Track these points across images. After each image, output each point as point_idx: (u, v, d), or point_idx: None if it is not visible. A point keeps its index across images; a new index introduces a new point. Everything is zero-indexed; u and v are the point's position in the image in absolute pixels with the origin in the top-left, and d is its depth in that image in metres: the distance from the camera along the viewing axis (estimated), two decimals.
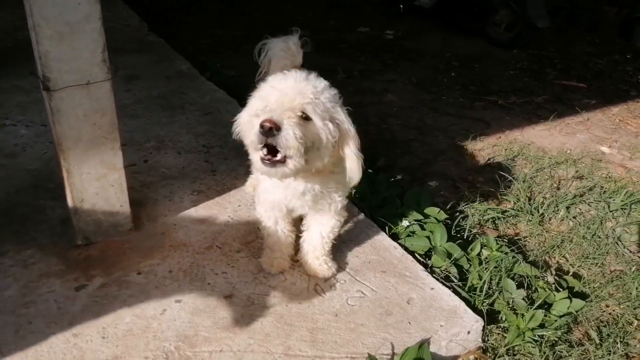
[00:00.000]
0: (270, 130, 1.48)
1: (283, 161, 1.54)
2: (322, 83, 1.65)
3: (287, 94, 1.55)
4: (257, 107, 1.58)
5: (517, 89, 4.55)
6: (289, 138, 1.48)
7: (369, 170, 2.72)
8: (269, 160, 1.55)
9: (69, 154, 1.94)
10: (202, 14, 5.69)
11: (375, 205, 2.61)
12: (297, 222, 2.12)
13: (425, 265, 2.26)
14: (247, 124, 1.63)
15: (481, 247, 2.41)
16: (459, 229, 2.62)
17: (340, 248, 2.27)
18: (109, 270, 2.07)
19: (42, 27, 1.66)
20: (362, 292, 2.06)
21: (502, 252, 2.40)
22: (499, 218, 2.79)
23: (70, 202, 2.08)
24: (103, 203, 2.12)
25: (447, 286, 2.14)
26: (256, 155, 1.59)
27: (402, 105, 4.09)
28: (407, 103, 4.15)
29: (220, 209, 2.48)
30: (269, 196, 1.91)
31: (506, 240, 2.60)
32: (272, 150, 1.54)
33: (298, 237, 2.12)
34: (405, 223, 2.41)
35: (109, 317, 1.87)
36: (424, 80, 4.57)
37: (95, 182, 2.05)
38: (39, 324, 1.83)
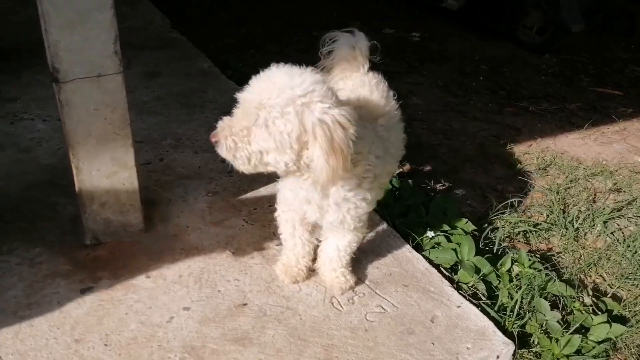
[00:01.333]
0: (217, 142, 1.56)
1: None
2: (296, 80, 1.49)
3: (249, 100, 1.53)
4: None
5: (549, 95, 4.35)
6: (222, 153, 1.56)
7: (393, 176, 2.57)
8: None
9: (78, 149, 1.85)
10: (225, 12, 5.62)
11: (398, 213, 2.46)
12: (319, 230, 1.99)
13: (451, 280, 2.11)
14: None
15: (512, 263, 2.24)
16: (487, 241, 2.46)
17: (359, 258, 2.13)
18: (116, 272, 1.97)
19: (51, 15, 1.57)
20: (382, 307, 1.92)
21: (534, 268, 2.23)
22: (530, 231, 2.62)
23: (79, 200, 1.99)
24: (113, 202, 2.03)
25: (474, 304, 1.98)
26: None
27: (427, 108, 3.93)
28: (433, 106, 3.99)
29: (235, 211, 2.37)
30: (281, 195, 1.83)
31: (538, 256, 2.43)
32: None
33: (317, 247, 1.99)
34: (430, 234, 2.26)
35: (113, 323, 1.77)
36: (450, 83, 4.41)
37: (106, 179, 1.96)
38: (40, 327, 1.74)
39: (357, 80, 1.96)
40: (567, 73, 4.77)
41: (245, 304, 1.87)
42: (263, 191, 2.50)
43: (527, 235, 2.62)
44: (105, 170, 1.93)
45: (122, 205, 2.05)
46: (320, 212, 1.73)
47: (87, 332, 1.73)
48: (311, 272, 2.02)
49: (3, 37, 4.08)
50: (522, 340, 1.93)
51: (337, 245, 1.88)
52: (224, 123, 1.56)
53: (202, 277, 1.98)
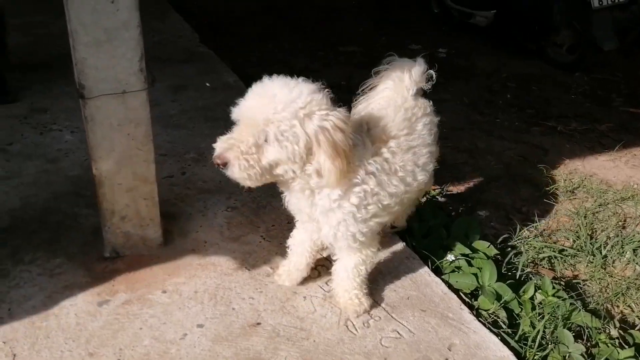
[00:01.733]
0: (221, 165, 1.54)
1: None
2: (295, 92, 1.54)
3: (250, 117, 1.53)
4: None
5: (579, 115, 4.24)
6: (235, 173, 1.54)
7: (416, 205, 2.52)
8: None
9: (101, 163, 1.88)
10: (253, 28, 5.70)
11: (419, 234, 2.42)
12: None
13: (470, 307, 2.05)
14: None
15: (535, 290, 2.17)
16: (510, 266, 2.39)
17: (375, 279, 2.10)
18: (133, 286, 1.99)
19: (80, 34, 1.61)
20: (398, 332, 1.87)
21: (558, 297, 2.15)
22: (555, 257, 2.53)
23: (100, 213, 2.02)
24: (133, 216, 2.05)
25: (494, 333, 1.92)
26: None
27: (453, 126, 3.87)
28: (459, 124, 3.93)
29: (253, 227, 2.37)
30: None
31: (563, 283, 2.34)
32: None
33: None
34: (450, 257, 2.21)
35: (127, 338, 1.78)
36: (477, 101, 4.34)
37: (126, 194, 1.98)
38: (56, 338, 1.76)
39: (391, 101, 1.96)
40: (599, 92, 4.64)
41: (258, 323, 1.86)
42: (282, 208, 2.49)
43: (552, 261, 2.53)
44: (127, 184, 1.96)
45: (141, 220, 2.07)
46: (315, 224, 1.76)
47: (102, 345, 1.74)
48: (326, 292, 2.00)
49: (35, 51, 4.23)
50: None
51: (346, 266, 1.86)
52: (228, 143, 1.54)
53: (217, 293, 1.97)
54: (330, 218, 1.69)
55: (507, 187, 3.22)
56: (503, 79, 4.78)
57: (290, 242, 2.02)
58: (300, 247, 1.98)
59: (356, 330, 1.87)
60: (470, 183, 3.22)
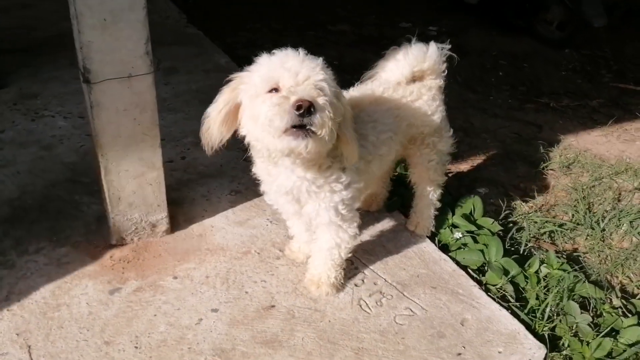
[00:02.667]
0: (308, 109, 1.39)
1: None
2: (313, 59, 1.54)
3: (300, 72, 1.47)
4: (263, 87, 1.48)
5: (570, 91, 4.28)
6: (324, 116, 1.43)
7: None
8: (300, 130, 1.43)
9: (107, 150, 1.84)
10: (241, 7, 5.58)
11: None
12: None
13: (479, 282, 2.09)
14: (259, 107, 1.47)
15: (540, 264, 2.21)
16: (512, 241, 2.43)
17: (385, 259, 2.12)
18: (143, 273, 1.97)
19: (85, 16, 1.56)
20: (411, 309, 1.90)
21: (563, 270, 2.20)
22: (556, 231, 2.58)
23: (106, 200, 1.99)
24: (140, 202, 2.02)
25: (504, 307, 1.96)
26: (275, 139, 1.46)
27: (447, 105, 3.88)
28: (452, 103, 3.87)
29: (259, 210, 2.36)
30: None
31: (564, 256, 2.39)
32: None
33: None
34: (457, 235, 2.24)
35: (142, 325, 1.77)
36: (469, 79, 4.34)
37: (133, 180, 1.95)
38: (70, 328, 1.74)
39: (384, 80, 1.98)
40: (588, 69, 4.68)
41: (273, 306, 1.86)
42: None
43: (553, 235, 2.58)
44: (134, 170, 1.93)
45: (149, 206, 2.04)
46: (296, 207, 1.74)
47: (117, 334, 1.73)
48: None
49: (20, 34, 4.08)
50: (552, 344, 1.90)
51: (321, 247, 1.85)
52: (296, 98, 1.39)
53: (228, 278, 1.97)
54: (319, 191, 1.68)
55: (504, 164, 3.25)
56: (494, 57, 4.78)
57: (290, 231, 2.05)
58: (300, 227, 1.98)
59: (369, 309, 1.89)
60: (468, 161, 3.25)
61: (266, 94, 1.48)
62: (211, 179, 2.57)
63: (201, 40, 4.33)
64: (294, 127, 1.42)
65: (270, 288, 1.94)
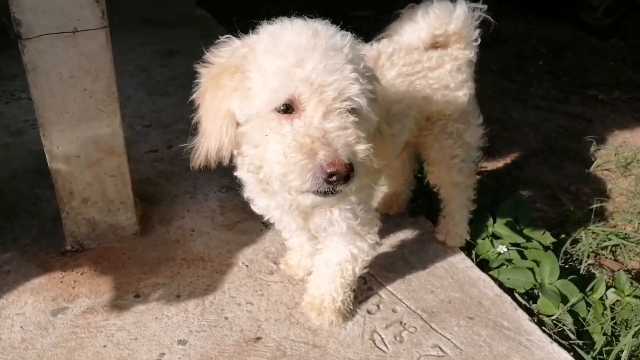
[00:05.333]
0: (345, 177, 0.98)
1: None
2: (346, 37, 1.10)
3: (326, 82, 1.00)
4: (269, 100, 1.02)
5: (621, 83, 3.77)
6: (363, 171, 1.02)
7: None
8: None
9: (50, 128, 1.43)
10: None
11: None
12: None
13: (528, 312, 1.61)
14: (263, 137, 1.05)
15: (606, 288, 1.72)
16: (565, 257, 1.95)
17: (407, 278, 1.66)
18: (99, 289, 1.56)
19: None
20: (440, 348, 1.44)
21: (636, 296, 1.71)
22: (620, 245, 2.08)
23: (57, 195, 1.58)
24: (98, 198, 1.61)
25: (564, 347, 1.48)
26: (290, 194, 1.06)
27: (481, 94, 3.37)
28: (488, 93, 3.45)
29: (253, 213, 1.92)
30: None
31: (631, 277, 1.90)
32: None
33: None
34: (501, 249, 1.76)
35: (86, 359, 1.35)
36: (506, 67, 3.86)
37: (87, 169, 1.54)
38: None
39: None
40: (639, 59, 4.14)
41: (259, 338, 1.42)
42: None
43: (614, 250, 2.09)
44: (86, 157, 1.51)
45: (109, 203, 1.63)
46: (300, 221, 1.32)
47: None
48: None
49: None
50: None
51: (328, 261, 1.42)
52: (328, 159, 0.97)
53: (205, 298, 1.54)
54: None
55: (550, 162, 2.77)
56: (533, 45, 4.29)
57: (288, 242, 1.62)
58: (302, 236, 1.55)
59: (386, 346, 1.43)
60: (507, 158, 2.78)
61: (273, 113, 1.03)
62: (200, 173, 2.16)
63: (209, 23, 4.00)
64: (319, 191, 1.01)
65: (257, 313, 1.50)
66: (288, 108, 1.02)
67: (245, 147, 1.11)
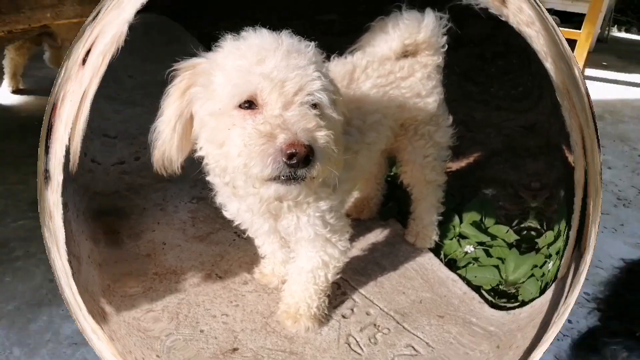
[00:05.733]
0: (305, 159, 0.99)
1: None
2: (310, 45, 1.14)
3: (287, 78, 1.04)
4: (231, 98, 1.06)
5: None
6: (327, 160, 1.04)
7: None
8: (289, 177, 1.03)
9: None
10: None
11: None
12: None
13: (496, 307, 1.67)
14: (225, 132, 1.07)
15: None
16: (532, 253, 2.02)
17: (379, 281, 1.70)
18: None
19: None
20: (413, 347, 1.48)
21: None
22: None
23: None
24: None
25: None
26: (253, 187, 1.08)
27: (447, 98, 3.49)
28: (451, 95, 3.52)
29: (225, 222, 1.89)
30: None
31: None
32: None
33: None
34: (469, 248, 1.83)
35: None
36: (468, 70, 3.96)
37: None
38: None
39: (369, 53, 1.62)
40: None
41: (235, 349, 1.43)
42: None
43: None
44: None
45: None
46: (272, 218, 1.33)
47: None
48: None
49: None
50: None
51: (300, 269, 1.44)
52: (287, 141, 0.99)
53: (179, 311, 1.54)
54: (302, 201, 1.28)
55: (511, 161, 2.86)
56: (495, 47, 4.41)
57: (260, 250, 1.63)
58: (274, 244, 1.57)
59: (361, 348, 1.47)
60: (470, 158, 2.86)
61: (236, 110, 1.05)
62: (170, 184, 2.15)
63: (175, 29, 3.94)
64: (281, 177, 1.02)
65: (233, 324, 1.51)
66: (251, 104, 1.05)
67: (210, 147, 1.12)
